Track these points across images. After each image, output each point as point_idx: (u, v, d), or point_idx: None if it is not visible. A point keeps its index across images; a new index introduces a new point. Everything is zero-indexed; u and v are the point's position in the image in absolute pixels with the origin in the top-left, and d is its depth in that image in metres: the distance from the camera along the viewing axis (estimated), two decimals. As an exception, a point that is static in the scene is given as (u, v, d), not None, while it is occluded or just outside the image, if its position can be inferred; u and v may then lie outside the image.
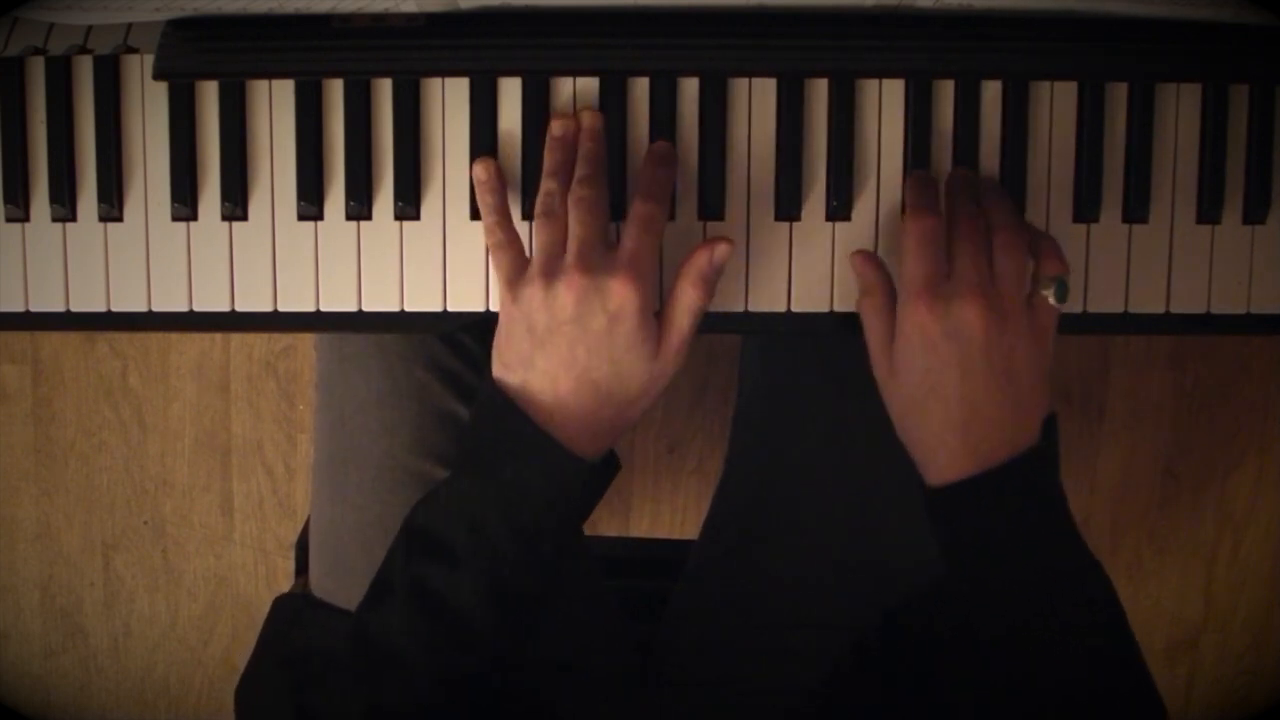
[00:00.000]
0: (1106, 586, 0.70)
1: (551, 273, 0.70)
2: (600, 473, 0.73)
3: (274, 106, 0.76)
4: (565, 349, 0.70)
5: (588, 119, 0.75)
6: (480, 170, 0.74)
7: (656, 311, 0.72)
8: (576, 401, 0.70)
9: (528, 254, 0.74)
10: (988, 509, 0.69)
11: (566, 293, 0.69)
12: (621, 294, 0.69)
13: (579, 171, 0.73)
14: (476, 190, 0.75)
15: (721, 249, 0.72)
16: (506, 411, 0.71)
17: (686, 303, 0.72)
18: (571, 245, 0.70)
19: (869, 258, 0.74)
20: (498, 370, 0.72)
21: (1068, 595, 0.69)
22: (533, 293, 0.70)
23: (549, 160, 0.74)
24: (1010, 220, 0.72)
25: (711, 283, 0.72)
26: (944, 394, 0.69)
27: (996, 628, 0.69)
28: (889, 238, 0.76)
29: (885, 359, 0.72)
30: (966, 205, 0.72)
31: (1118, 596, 0.70)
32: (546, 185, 0.73)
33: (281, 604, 0.93)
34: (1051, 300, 0.71)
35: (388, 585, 0.71)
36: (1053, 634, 0.68)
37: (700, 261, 0.72)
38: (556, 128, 0.74)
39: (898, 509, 0.86)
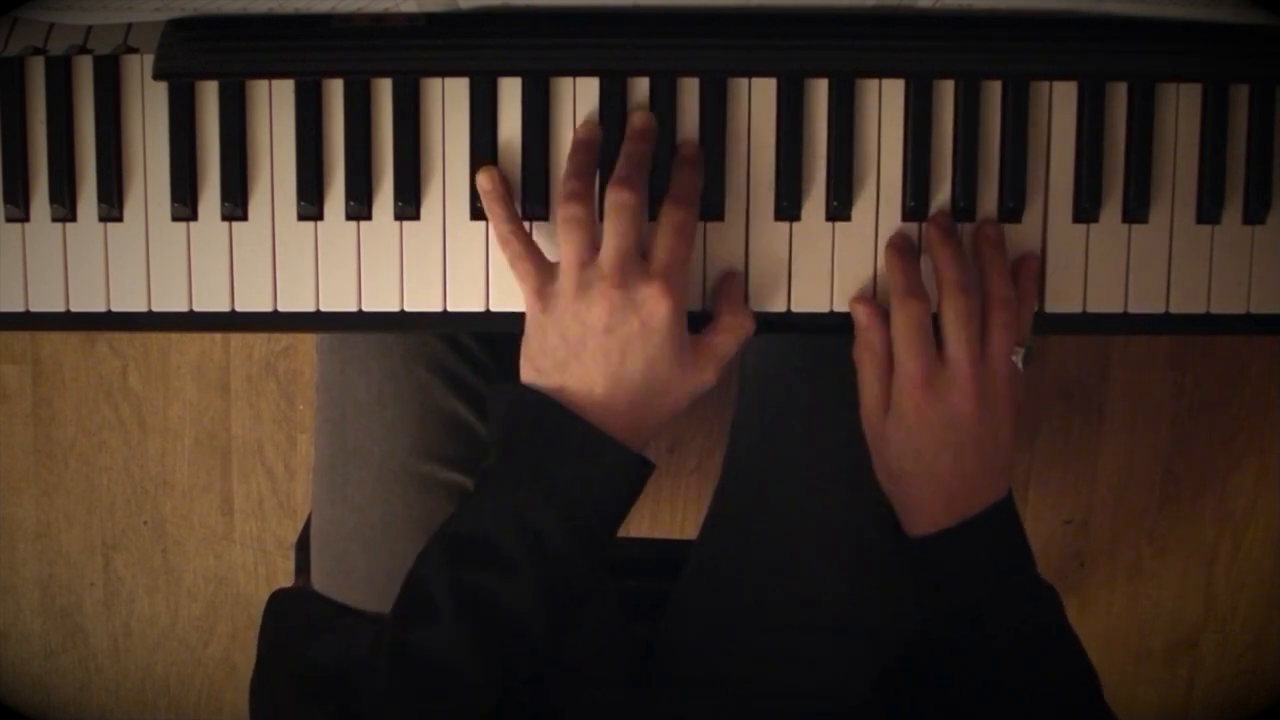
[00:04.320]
0: (1061, 613, 0.76)
1: (584, 283, 0.70)
2: (648, 465, 0.73)
3: (274, 106, 0.76)
4: (602, 357, 0.70)
5: (638, 119, 0.74)
6: (485, 180, 0.74)
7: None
8: (614, 404, 0.71)
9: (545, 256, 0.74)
10: (964, 557, 0.73)
11: (601, 303, 0.69)
12: (655, 305, 0.70)
13: (622, 171, 0.72)
14: (483, 201, 0.74)
15: (739, 275, 0.76)
16: (552, 412, 0.71)
17: (738, 331, 0.74)
18: (608, 254, 0.70)
19: (871, 311, 0.74)
20: (529, 375, 0.72)
21: (1031, 624, 0.74)
22: (565, 304, 0.70)
23: (573, 162, 0.73)
24: (1010, 295, 0.73)
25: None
26: (935, 470, 0.72)
27: (967, 659, 0.73)
28: (889, 238, 0.76)
29: (878, 420, 0.74)
30: (964, 279, 0.73)
31: (1068, 621, 0.76)
32: (570, 186, 0.72)
33: (280, 598, 0.93)
34: (1019, 364, 0.73)
35: (426, 601, 0.70)
36: (1017, 660, 0.73)
37: (735, 289, 0.75)
38: (583, 132, 0.74)
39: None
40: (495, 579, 0.69)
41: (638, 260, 0.70)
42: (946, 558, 0.73)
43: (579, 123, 0.75)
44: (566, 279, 0.71)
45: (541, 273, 0.72)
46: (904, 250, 0.75)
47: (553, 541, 0.69)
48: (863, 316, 0.75)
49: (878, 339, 0.74)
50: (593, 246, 0.71)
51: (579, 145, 0.74)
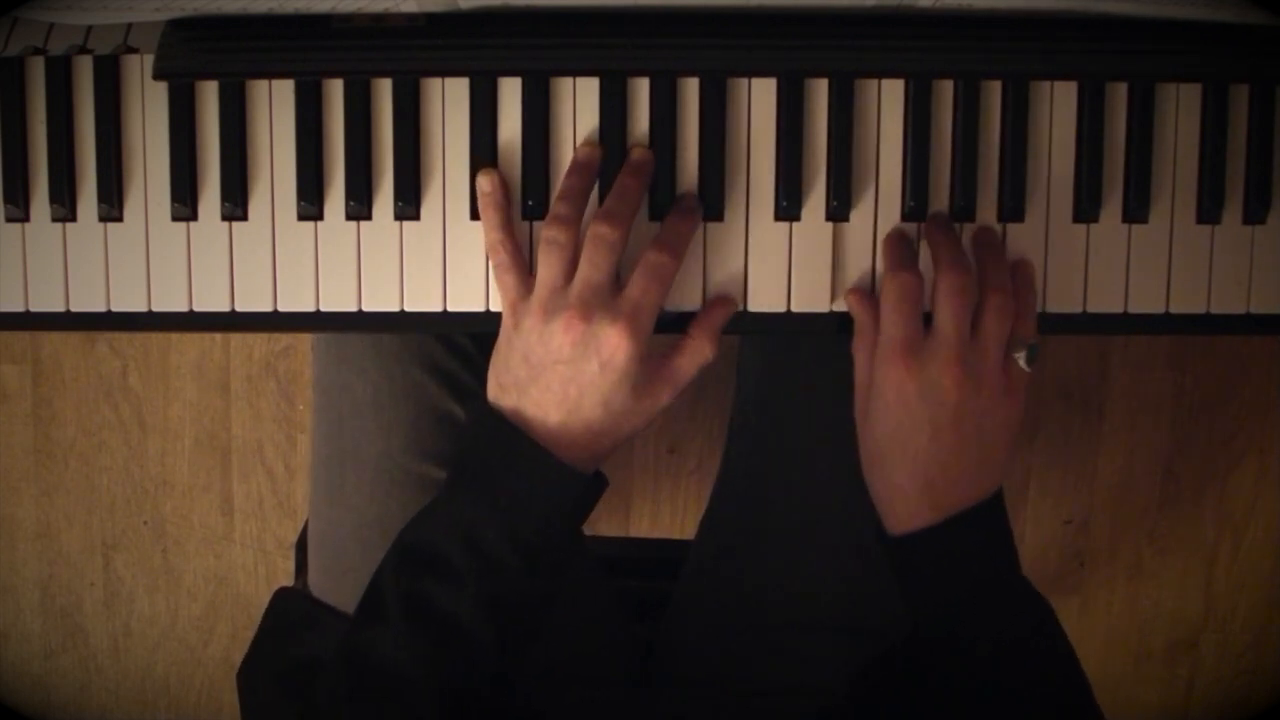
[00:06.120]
0: (1054, 622, 0.74)
1: (552, 309, 0.70)
2: (592, 487, 0.74)
3: (274, 106, 0.76)
4: (558, 386, 0.70)
5: (637, 154, 0.74)
6: (485, 182, 0.74)
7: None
8: (565, 432, 0.71)
9: (530, 267, 0.74)
10: (943, 558, 0.72)
11: (564, 334, 0.70)
12: (616, 344, 0.70)
13: (610, 204, 0.73)
14: (480, 203, 0.75)
15: (732, 305, 0.75)
16: (502, 430, 0.72)
17: (698, 357, 0.74)
18: (577, 285, 0.70)
19: (863, 299, 0.74)
20: (493, 392, 0.73)
21: (1017, 632, 0.72)
22: (532, 325, 0.71)
23: (565, 183, 0.74)
24: (1006, 283, 0.73)
25: (719, 340, 0.75)
26: (912, 452, 0.71)
27: (954, 667, 0.72)
28: (886, 232, 0.76)
29: (864, 400, 0.74)
30: (957, 257, 0.73)
31: (1063, 631, 0.74)
32: (556, 209, 0.72)
33: (284, 597, 0.93)
34: (1023, 364, 0.72)
35: (379, 606, 0.71)
36: (1005, 668, 0.71)
37: (717, 317, 0.74)
38: (582, 153, 0.74)
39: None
40: (441, 589, 0.70)
41: (607, 295, 0.70)
42: (925, 558, 0.72)
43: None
44: (536, 300, 0.71)
45: (521, 287, 0.73)
46: (899, 237, 0.75)
47: (497, 555, 0.70)
48: (854, 304, 0.75)
49: (868, 323, 0.74)
50: (568, 272, 0.71)
51: (576, 166, 0.74)
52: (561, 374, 0.70)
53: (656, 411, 0.73)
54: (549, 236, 0.72)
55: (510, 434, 0.71)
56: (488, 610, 0.70)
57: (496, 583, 0.70)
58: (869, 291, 0.75)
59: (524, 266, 0.74)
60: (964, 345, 0.71)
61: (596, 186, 0.75)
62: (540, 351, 0.71)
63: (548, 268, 0.71)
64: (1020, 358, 0.72)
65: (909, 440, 0.71)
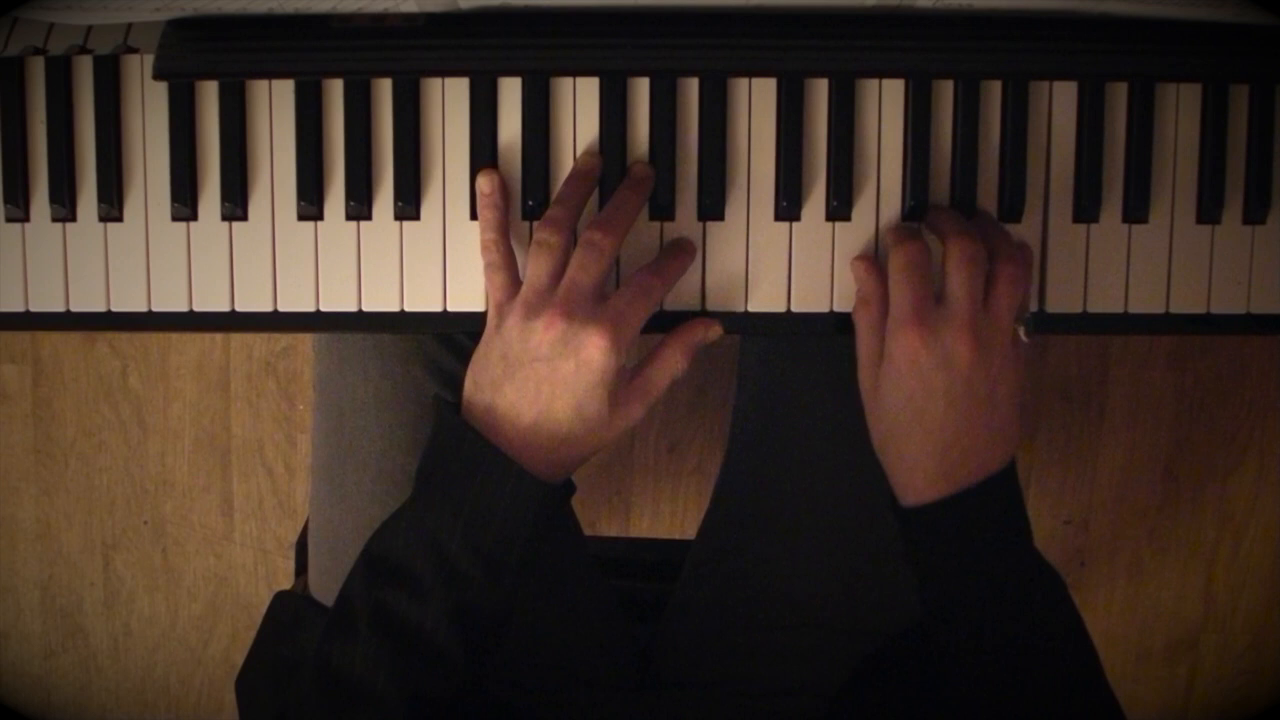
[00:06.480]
0: (1065, 594, 0.73)
1: (536, 307, 0.71)
2: (556, 496, 0.74)
3: (274, 106, 0.76)
4: (532, 385, 0.70)
5: (639, 169, 0.75)
6: (484, 183, 0.74)
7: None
8: (536, 436, 0.71)
9: (521, 273, 0.74)
10: (958, 529, 0.71)
11: (544, 331, 0.70)
12: (594, 346, 0.70)
13: (606, 212, 0.73)
14: (478, 202, 0.75)
15: (716, 329, 0.75)
16: (466, 435, 0.72)
17: (670, 368, 0.74)
18: (564, 285, 0.71)
19: (871, 266, 0.74)
20: (469, 389, 0.73)
21: (1031, 605, 0.72)
22: (514, 322, 0.71)
23: (563, 189, 0.74)
24: (1016, 254, 0.72)
25: (694, 356, 0.75)
26: (927, 422, 0.70)
27: (965, 641, 0.72)
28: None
29: (872, 374, 0.73)
30: (965, 228, 0.72)
31: (1074, 603, 0.74)
32: (551, 212, 0.73)
33: (281, 600, 0.93)
34: (1023, 335, 0.73)
35: (348, 615, 0.71)
36: (1018, 641, 0.71)
37: (696, 334, 0.74)
38: (583, 162, 0.75)
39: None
40: (406, 599, 0.70)
41: (593, 299, 0.71)
42: (939, 530, 0.72)
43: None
44: (520, 299, 0.71)
45: (509, 287, 0.73)
46: (905, 227, 0.75)
47: (460, 565, 0.70)
48: (861, 271, 0.74)
49: (874, 292, 0.73)
50: (556, 274, 0.71)
51: (575, 174, 0.74)
52: (538, 372, 0.70)
53: (627, 426, 0.73)
54: (540, 238, 0.72)
55: (474, 441, 0.71)
56: (452, 620, 0.70)
57: (461, 593, 0.70)
58: (875, 259, 0.75)
59: (513, 268, 0.74)
60: (977, 313, 0.70)
61: (596, 195, 0.75)
62: (519, 348, 0.71)
63: (536, 267, 0.71)
64: (1022, 329, 0.72)
65: (923, 411, 0.70)
